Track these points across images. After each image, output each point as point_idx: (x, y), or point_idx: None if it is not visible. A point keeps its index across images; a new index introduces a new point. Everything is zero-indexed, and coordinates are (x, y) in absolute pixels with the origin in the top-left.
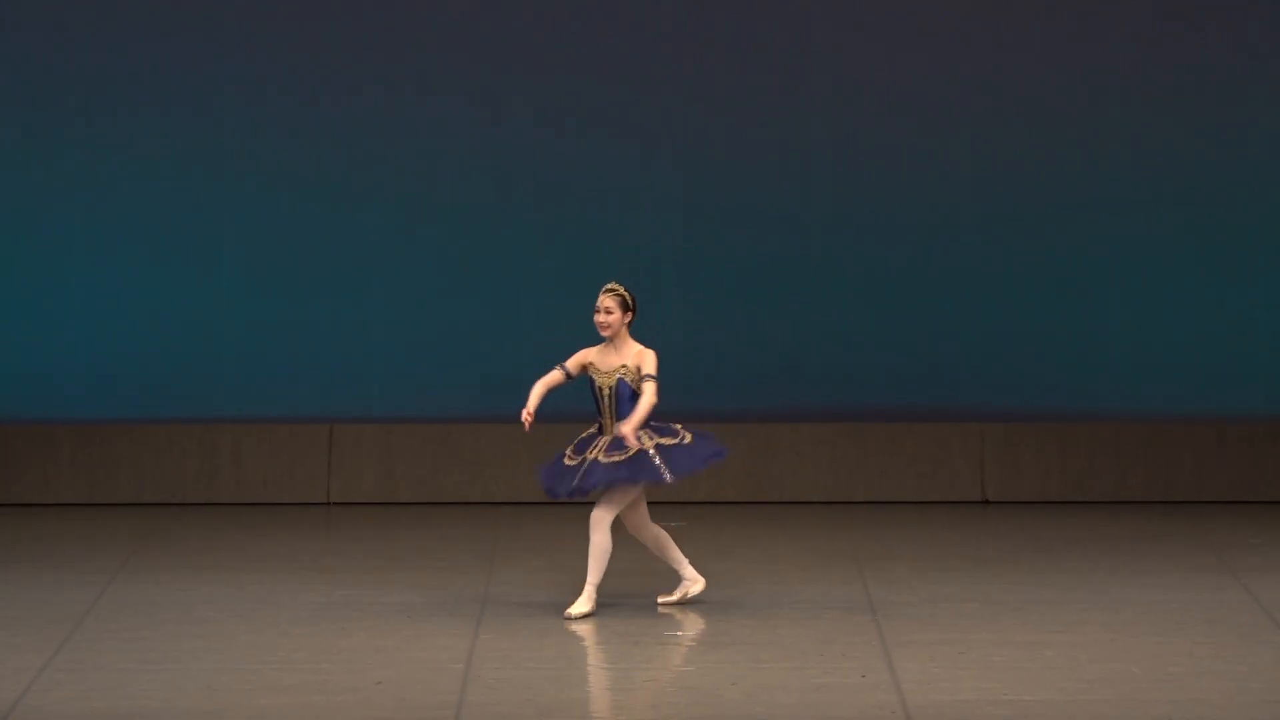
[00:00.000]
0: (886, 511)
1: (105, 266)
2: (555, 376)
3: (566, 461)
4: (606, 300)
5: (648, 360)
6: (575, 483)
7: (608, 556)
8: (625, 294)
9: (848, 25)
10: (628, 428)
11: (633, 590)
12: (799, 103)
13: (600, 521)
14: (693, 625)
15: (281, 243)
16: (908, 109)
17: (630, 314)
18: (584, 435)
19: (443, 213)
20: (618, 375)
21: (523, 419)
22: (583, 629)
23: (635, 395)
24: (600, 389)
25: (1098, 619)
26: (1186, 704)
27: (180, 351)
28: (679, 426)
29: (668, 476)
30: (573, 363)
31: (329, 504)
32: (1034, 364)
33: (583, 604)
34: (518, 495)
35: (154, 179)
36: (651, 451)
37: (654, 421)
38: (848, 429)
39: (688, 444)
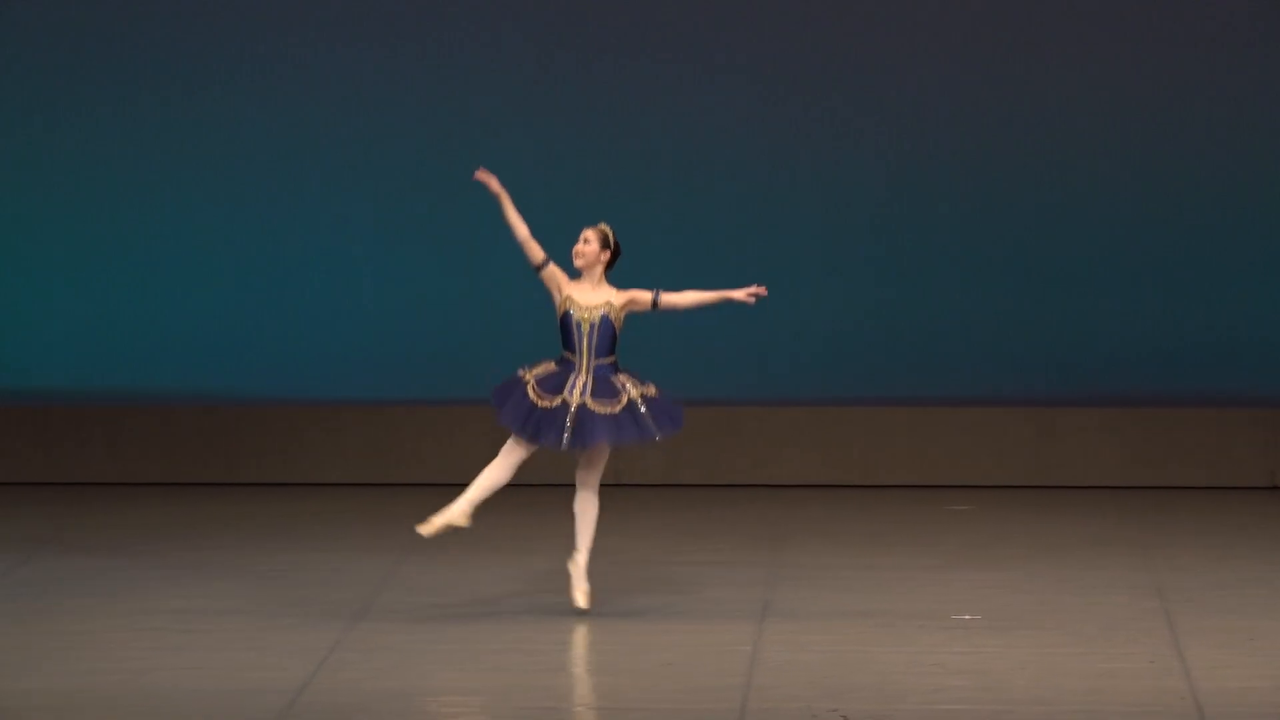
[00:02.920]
0: (1172, 497)
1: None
2: (534, 249)
3: (537, 401)
4: (588, 232)
5: (634, 291)
6: (568, 435)
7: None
8: (609, 233)
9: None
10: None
11: (919, 575)
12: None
13: (592, 487)
14: (979, 610)
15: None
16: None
17: (609, 254)
18: (547, 371)
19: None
20: (601, 311)
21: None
22: (866, 614)
23: (617, 334)
24: (579, 323)
25: None
26: None
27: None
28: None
29: (656, 435)
30: (549, 271)
31: (616, 485)
32: None
33: (580, 592)
34: (803, 478)
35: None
36: (640, 404)
37: (628, 369)
38: (1133, 415)
39: (659, 398)
